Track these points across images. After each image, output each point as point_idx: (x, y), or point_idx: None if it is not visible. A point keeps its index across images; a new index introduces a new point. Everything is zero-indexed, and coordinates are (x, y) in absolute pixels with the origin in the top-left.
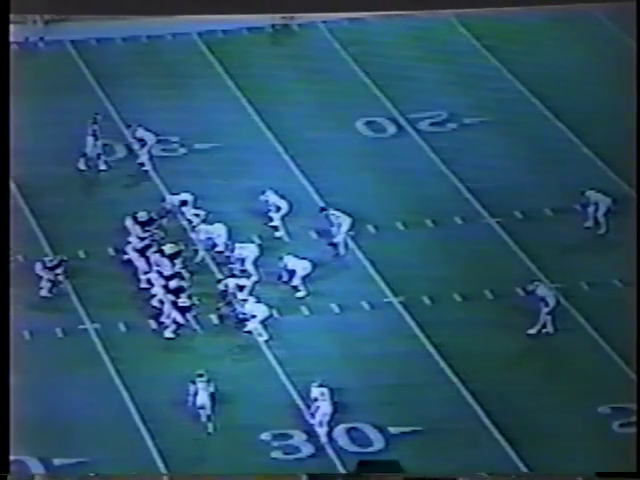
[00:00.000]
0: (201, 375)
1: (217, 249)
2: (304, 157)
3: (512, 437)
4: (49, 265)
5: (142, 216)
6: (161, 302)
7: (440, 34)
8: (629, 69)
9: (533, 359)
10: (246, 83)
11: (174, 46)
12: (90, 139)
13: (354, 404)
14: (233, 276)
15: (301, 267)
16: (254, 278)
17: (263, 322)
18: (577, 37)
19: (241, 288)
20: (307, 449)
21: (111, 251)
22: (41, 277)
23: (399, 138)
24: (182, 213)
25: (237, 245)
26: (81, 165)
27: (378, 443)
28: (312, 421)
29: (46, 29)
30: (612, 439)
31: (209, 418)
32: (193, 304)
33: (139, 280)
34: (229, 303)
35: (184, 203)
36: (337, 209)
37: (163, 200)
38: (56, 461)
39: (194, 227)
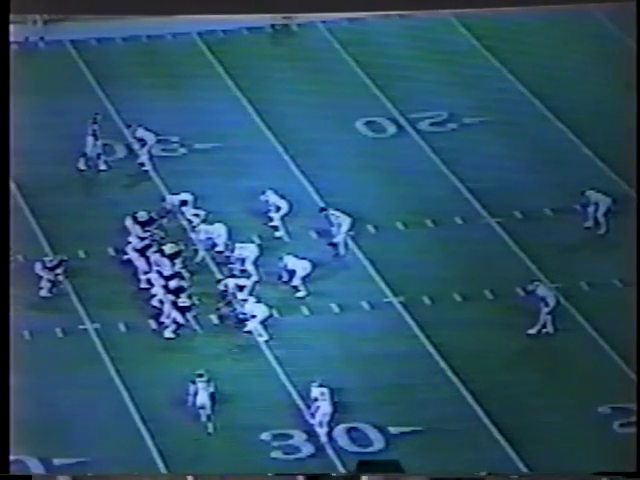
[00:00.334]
0: (201, 375)
1: (217, 249)
2: (304, 157)
3: (512, 437)
4: (49, 265)
5: (142, 216)
6: (161, 302)
7: (440, 34)
8: (629, 69)
9: (533, 359)
10: (246, 83)
11: (174, 46)
12: (90, 139)
13: (354, 404)
14: (233, 276)
15: (301, 267)
16: (254, 278)
17: (263, 322)
18: (577, 37)
19: (241, 288)
20: (307, 449)
21: (111, 251)
22: (41, 277)
23: (399, 138)
24: (182, 213)
25: (237, 245)
26: (81, 165)
27: (378, 443)
28: (312, 421)
29: (46, 29)
30: (612, 439)
31: (209, 418)
32: (193, 304)
33: (139, 280)
34: (229, 303)
35: (184, 203)
36: (337, 209)
37: (163, 200)
38: (56, 461)
39: (194, 227)
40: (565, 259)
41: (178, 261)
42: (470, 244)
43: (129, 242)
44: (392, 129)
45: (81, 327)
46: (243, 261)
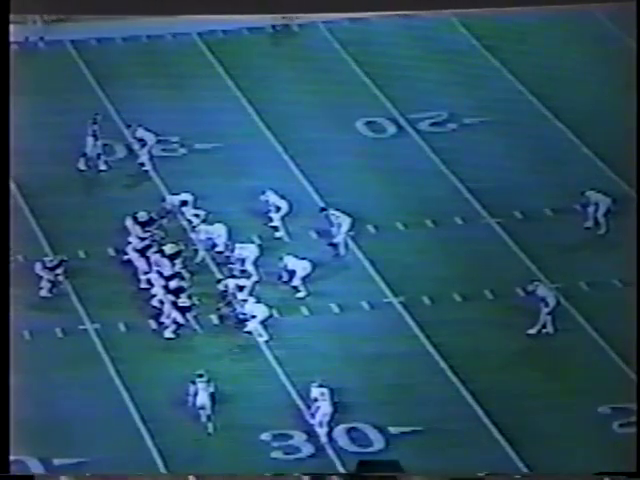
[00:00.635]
0: (201, 375)
1: (217, 249)
2: (304, 157)
3: (512, 437)
4: (49, 265)
5: (142, 216)
6: (161, 302)
7: (440, 34)
8: (629, 69)
9: (533, 359)
10: (246, 83)
11: (174, 46)
12: (90, 139)
13: (354, 404)
14: (233, 276)
15: (301, 267)
16: (254, 278)
17: (263, 322)
18: (577, 37)
19: (241, 288)
20: (307, 449)
21: (111, 251)
22: (41, 277)
23: (399, 138)
24: (182, 213)
25: (237, 245)
26: (81, 165)
27: (378, 443)
28: (312, 421)
29: (46, 29)
30: (612, 439)
31: (209, 418)
32: (193, 304)
33: (139, 280)
34: (229, 303)
35: (184, 203)
36: (337, 209)
37: (163, 200)
38: (56, 461)
39: (194, 227)
40: (565, 259)
41: (178, 261)
42: (470, 244)
43: (129, 242)
44: (392, 129)
45: (81, 327)
46: (243, 261)
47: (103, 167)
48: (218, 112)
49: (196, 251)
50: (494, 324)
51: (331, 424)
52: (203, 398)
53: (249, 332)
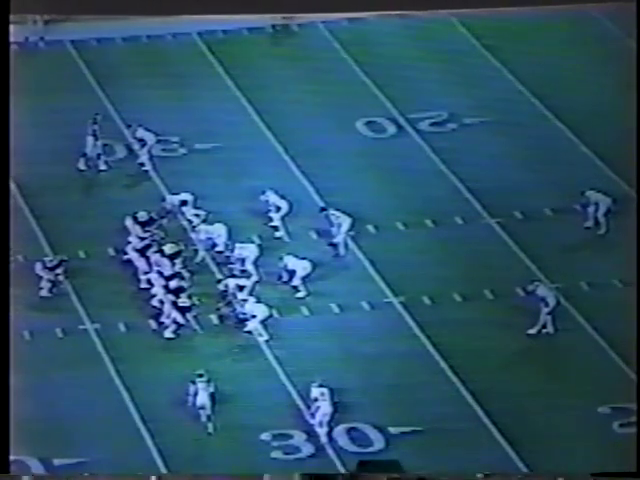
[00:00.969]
0: (201, 375)
1: (217, 249)
2: (304, 157)
3: (512, 437)
4: (49, 265)
5: (142, 216)
6: (161, 302)
7: (440, 34)
8: (629, 69)
9: (533, 359)
10: (246, 83)
11: (174, 46)
12: (90, 139)
13: (354, 404)
14: (233, 276)
15: (301, 267)
16: (254, 278)
17: (263, 322)
18: (577, 37)
19: (241, 288)
20: (307, 449)
21: (111, 251)
22: (41, 277)
23: (399, 138)
24: (182, 213)
25: (237, 245)
26: (81, 165)
27: (378, 443)
28: (312, 421)
29: (46, 29)
30: (612, 439)
31: (209, 418)
32: (193, 304)
33: (139, 280)
34: (229, 303)
35: (184, 203)
36: (337, 209)
37: (163, 200)
38: (56, 461)
39: (194, 227)
40: (565, 259)
41: (178, 261)
42: (470, 244)
43: (129, 242)
44: (392, 129)
45: (81, 327)
46: (243, 261)
47: (103, 167)
48: (218, 112)
49: (196, 251)
50: (494, 324)
51: (331, 424)
52: (203, 398)
53: (249, 332)
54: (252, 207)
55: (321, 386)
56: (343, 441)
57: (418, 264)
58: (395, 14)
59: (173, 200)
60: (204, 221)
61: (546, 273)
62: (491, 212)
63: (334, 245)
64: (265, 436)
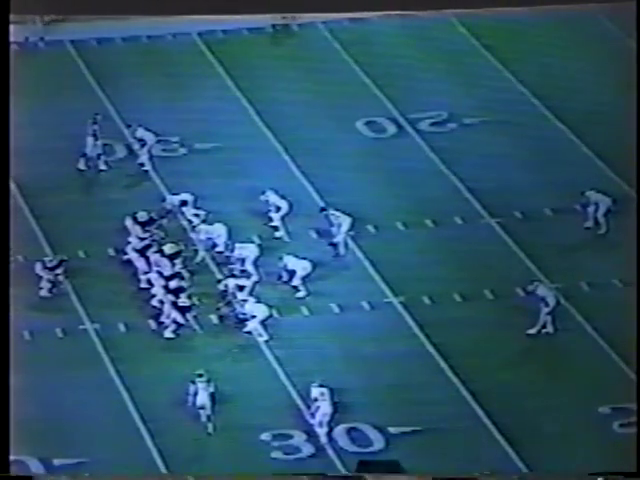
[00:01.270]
0: (201, 375)
1: (217, 249)
2: (304, 157)
3: (512, 437)
4: (49, 265)
5: (142, 216)
6: (161, 302)
7: (440, 34)
8: (629, 69)
9: (533, 359)
10: (246, 83)
11: (174, 46)
12: (90, 139)
13: (354, 404)
14: (233, 276)
15: (301, 267)
16: (254, 278)
17: (263, 322)
18: (577, 37)
19: (241, 288)
20: (307, 449)
21: (111, 251)
22: (41, 277)
23: (399, 138)
24: (182, 213)
25: (237, 245)
26: (81, 165)
27: (378, 443)
28: (312, 421)
29: (46, 29)
30: (612, 439)
31: (209, 418)
32: (193, 304)
33: (139, 280)
34: (229, 303)
35: (184, 203)
36: (337, 209)
37: (163, 200)
38: (56, 461)
39: (194, 227)
40: (565, 259)
41: (178, 261)
42: (470, 244)
43: (129, 242)
44: (392, 129)
45: (81, 327)
46: (243, 261)
47: (103, 167)
48: (218, 112)
49: (196, 251)
50: (494, 324)
51: (331, 424)
52: (203, 398)
53: (249, 332)
54: (252, 207)
55: (321, 386)
56: (343, 441)
57: (418, 264)
58: (395, 14)
59: (173, 200)
60: (204, 221)
61: (546, 273)
62: (491, 212)
63: (334, 245)
64: (265, 436)
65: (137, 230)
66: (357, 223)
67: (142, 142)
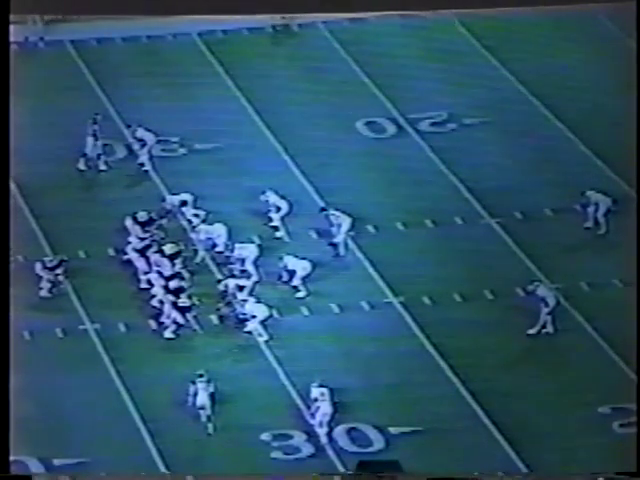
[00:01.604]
0: (201, 375)
1: (217, 249)
2: (304, 157)
3: (512, 437)
4: (49, 265)
5: (142, 216)
6: (161, 302)
7: (440, 34)
8: (629, 69)
9: (533, 359)
10: (246, 83)
11: (174, 46)
12: (90, 139)
13: (354, 404)
14: (233, 276)
15: (301, 267)
16: (254, 278)
17: (263, 322)
18: (577, 37)
19: (241, 288)
20: (307, 449)
21: (111, 251)
22: (41, 277)
23: (399, 138)
24: (182, 213)
25: (237, 245)
26: (81, 165)
27: (378, 443)
28: (312, 421)
29: (46, 29)
30: (612, 439)
31: (209, 418)
32: (193, 304)
33: (139, 280)
34: (229, 303)
35: (184, 203)
36: (337, 209)
37: (163, 200)
38: (56, 461)
39: (194, 227)
40: (565, 259)
41: (178, 261)
42: (470, 244)
43: (129, 242)
44: (392, 129)
45: (81, 327)
46: (243, 261)
47: (103, 167)
48: (218, 112)
49: (196, 251)
50: (494, 324)
51: (331, 424)
52: (203, 398)
53: (249, 332)
54: (252, 207)
55: (321, 386)
56: (343, 441)
57: (418, 264)
58: (395, 14)
59: (173, 200)
60: (204, 221)
61: (546, 273)
62: (491, 212)
63: (334, 245)
64: (265, 436)
65: (137, 230)
66: (357, 223)
67: (142, 142)
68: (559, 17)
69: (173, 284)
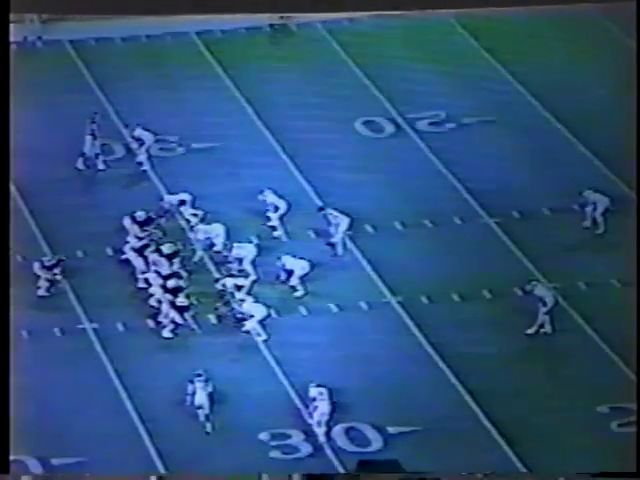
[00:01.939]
0: (199, 375)
1: (215, 249)
2: (302, 157)
3: (511, 437)
4: (47, 264)
5: (140, 216)
6: (159, 302)
7: (438, 34)
8: (629, 69)
9: (532, 359)
10: (244, 83)
11: (173, 46)
12: (89, 139)
13: (352, 404)
14: (231, 276)
15: (299, 267)
16: (252, 278)
17: (261, 322)
18: (577, 37)
19: (239, 288)
20: (305, 449)
21: (109, 251)
22: (39, 276)
23: (397, 138)
24: (180, 213)
25: (235, 245)
26: (79, 165)
27: (377, 443)
28: (310, 421)
29: (44, 28)
30: (611, 439)
31: (207, 418)
32: (191, 304)
33: (137, 280)
34: (227, 303)
35: (182, 203)
36: (335, 209)
37: (161, 200)
38: (55, 461)
39: (192, 227)
40: (563, 259)
41: (176, 261)
42: (468, 244)
43: (127, 242)
44: (390, 129)
45: (79, 326)
46: (241, 261)
47: (101, 166)
48: (216, 111)
49: (194, 251)
50: (492, 324)
51: (330, 423)
52: (201, 398)
53: (247, 332)
54: (250, 207)
55: (319, 386)
56: (341, 441)
57: (416, 264)
58: (394, 14)
59: (171, 200)
60: (202, 221)
61: (544, 273)
62: (489, 212)
63: (332, 245)
64: (263, 436)
65: (135, 229)
66: (355, 223)
67: (140, 141)
68: (559, 17)
69: (171, 283)
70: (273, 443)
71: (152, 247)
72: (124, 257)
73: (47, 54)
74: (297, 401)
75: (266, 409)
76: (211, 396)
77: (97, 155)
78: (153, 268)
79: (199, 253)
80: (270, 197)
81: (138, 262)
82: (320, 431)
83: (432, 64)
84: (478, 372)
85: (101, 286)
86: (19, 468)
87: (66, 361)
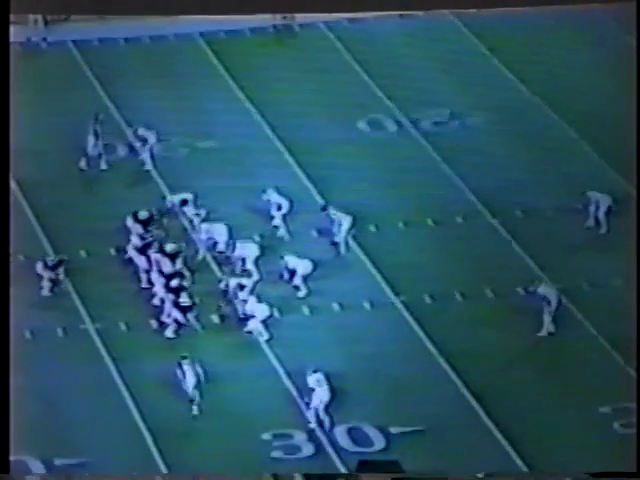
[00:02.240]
0: (184, 357)
1: (218, 248)
2: (305, 156)
3: (512, 437)
4: (50, 264)
5: (143, 215)
6: (162, 301)
7: (441, 34)
8: (630, 68)
9: (534, 359)
10: (248, 83)
11: (176, 46)
12: (91, 138)
13: (355, 403)
14: (234, 275)
15: (302, 266)
16: (255, 277)
17: (264, 322)
18: (578, 37)
19: (242, 287)
20: (307, 449)
21: (112, 250)
22: (42, 276)
23: (400, 137)
24: (183, 212)
25: (238, 244)
26: (82, 164)
27: (379, 443)
28: (308, 414)
29: (48, 29)
30: (613, 439)
31: (193, 401)
32: (194, 303)
33: (140, 279)
34: (230, 302)
35: (185, 202)
36: (338, 208)
37: (164, 199)
38: (56, 461)
39: (195, 226)
40: (566, 259)
41: (179, 260)
42: (471, 243)
43: (130, 241)
44: (393, 128)
45: (82, 326)
46: (244, 260)
47: (104, 166)
48: (219, 111)
49: (197, 250)
50: (495, 323)
51: (328, 410)
52: (190, 380)
53: (250, 331)
54: (253, 206)
55: (315, 372)
56: (343, 441)
57: (419, 263)
58: (397, 14)
59: (174, 199)
60: (205, 220)
61: (547, 272)
62: (492, 211)
63: (335, 244)
64: (266, 436)
65: (138, 229)
66: (358, 222)
67: (143, 141)
68: (560, 17)
69: (174, 283)
70: (275, 443)
71: (155, 246)
72: (127, 257)
73: (51, 55)
74: (299, 401)
75: (268, 409)
76: (199, 379)
77: (100, 155)
78: (156, 267)
79: (202, 252)
80: (273, 196)
81: (141, 261)
82: (311, 414)
83: (435, 63)
84: (480, 372)
85: (104, 286)
86: (20, 468)
87: (69, 361)
